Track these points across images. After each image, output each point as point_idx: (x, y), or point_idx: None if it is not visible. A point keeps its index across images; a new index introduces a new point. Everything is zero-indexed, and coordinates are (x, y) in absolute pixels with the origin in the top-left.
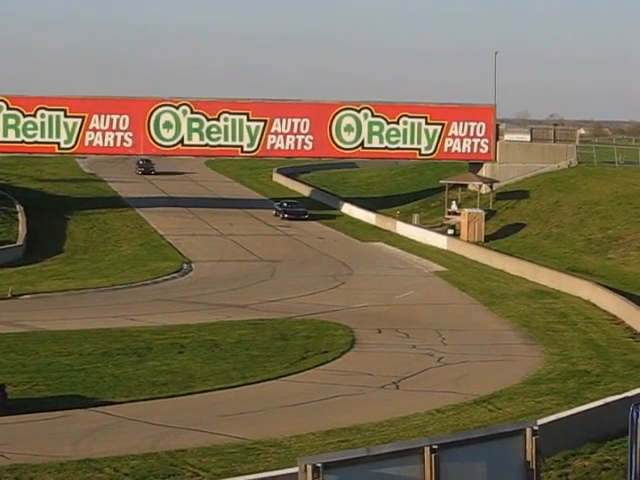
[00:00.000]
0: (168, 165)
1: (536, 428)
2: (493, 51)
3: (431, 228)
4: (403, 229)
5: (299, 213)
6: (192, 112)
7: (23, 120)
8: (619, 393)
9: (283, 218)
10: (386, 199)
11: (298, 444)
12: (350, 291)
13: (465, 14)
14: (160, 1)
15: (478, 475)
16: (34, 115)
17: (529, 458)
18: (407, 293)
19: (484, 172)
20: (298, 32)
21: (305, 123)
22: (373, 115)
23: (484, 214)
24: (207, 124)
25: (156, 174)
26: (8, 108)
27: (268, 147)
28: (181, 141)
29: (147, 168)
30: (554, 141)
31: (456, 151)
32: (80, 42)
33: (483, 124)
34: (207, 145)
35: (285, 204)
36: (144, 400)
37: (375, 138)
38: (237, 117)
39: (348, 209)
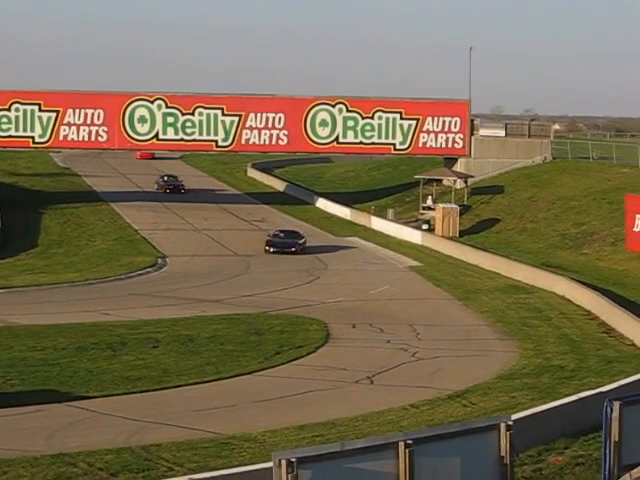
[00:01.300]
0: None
1: (510, 423)
2: (468, 46)
3: (406, 223)
4: (378, 224)
5: (285, 245)
6: (167, 106)
7: None
8: (593, 388)
9: (266, 252)
10: (361, 194)
11: (272, 439)
12: (324, 286)
13: (440, 9)
14: None
15: (452, 470)
16: (8, 109)
17: (503, 453)
18: (382, 288)
19: (459, 167)
20: (273, 26)
21: (280, 118)
22: (348, 110)
23: (458, 209)
24: (182, 119)
25: (186, 192)
26: None
27: (243, 142)
28: (156, 135)
29: (175, 186)
30: (529, 136)
31: (431, 146)
32: (55, 36)
33: (458, 119)
34: (182, 140)
35: (277, 233)
36: (118, 395)
37: (350, 133)
38: (212, 112)
39: (323, 204)
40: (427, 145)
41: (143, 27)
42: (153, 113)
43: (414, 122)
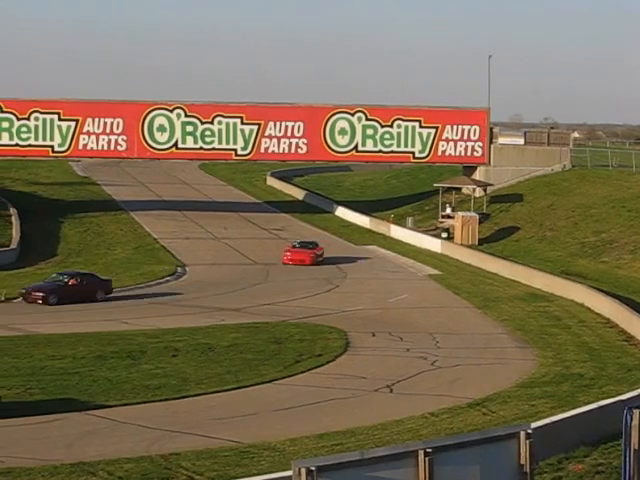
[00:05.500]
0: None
1: (530, 431)
2: (487, 54)
3: (425, 231)
4: (397, 232)
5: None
6: (186, 115)
7: (17, 123)
8: (613, 396)
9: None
10: (380, 202)
11: (292, 447)
12: (344, 294)
13: (459, 17)
14: (155, 4)
15: (472, 478)
16: (28, 118)
17: (523, 461)
18: (401, 296)
19: (478, 175)
20: (292, 35)
21: (299, 126)
22: (367, 118)
23: (478, 217)
24: (201, 127)
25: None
26: (2, 111)
27: (262, 150)
28: (175, 144)
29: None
30: (548, 144)
31: (450, 154)
32: (74, 45)
33: (477, 127)
34: (201, 148)
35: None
36: (138, 404)
37: (369, 141)
38: (231, 120)
39: (342, 212)
40: (446, 153)
41: (162, 37)
42: (172, 122)
43: (433, 130)
